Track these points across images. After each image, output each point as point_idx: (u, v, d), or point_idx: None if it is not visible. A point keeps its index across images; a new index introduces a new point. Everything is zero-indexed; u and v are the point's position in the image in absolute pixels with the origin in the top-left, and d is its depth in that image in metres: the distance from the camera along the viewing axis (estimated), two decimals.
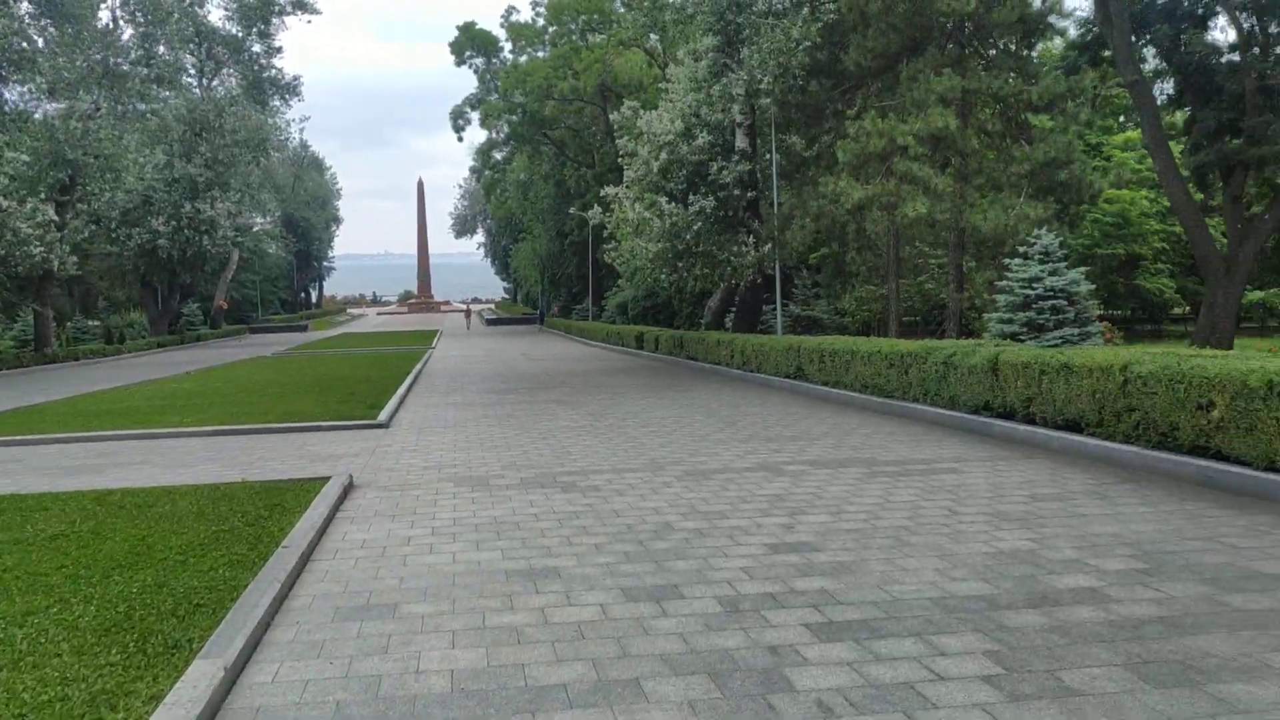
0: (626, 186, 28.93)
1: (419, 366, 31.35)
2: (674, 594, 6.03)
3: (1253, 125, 27.19)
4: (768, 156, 27.39)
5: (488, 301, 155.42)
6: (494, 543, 7.52)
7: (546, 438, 13.71)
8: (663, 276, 28.58)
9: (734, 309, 32.27)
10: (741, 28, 26.39)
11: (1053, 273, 19.50)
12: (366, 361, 34.79)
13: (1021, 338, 20.25)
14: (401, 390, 21.59)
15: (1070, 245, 25.50)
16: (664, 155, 26.79)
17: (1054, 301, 19.23)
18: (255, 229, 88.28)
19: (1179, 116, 35.20)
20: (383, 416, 16.16)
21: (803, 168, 27.27)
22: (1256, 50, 28.04)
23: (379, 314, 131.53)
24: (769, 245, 26.50)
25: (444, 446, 13.10)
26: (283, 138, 69.06)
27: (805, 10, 25.02)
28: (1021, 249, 20.07)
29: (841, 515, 8.12)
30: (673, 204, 26.89)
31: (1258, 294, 47.80)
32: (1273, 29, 27.94)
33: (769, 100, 25.54)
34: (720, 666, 4.83)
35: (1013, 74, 23.58)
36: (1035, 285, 19.96)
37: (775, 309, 27.88)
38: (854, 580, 6.20)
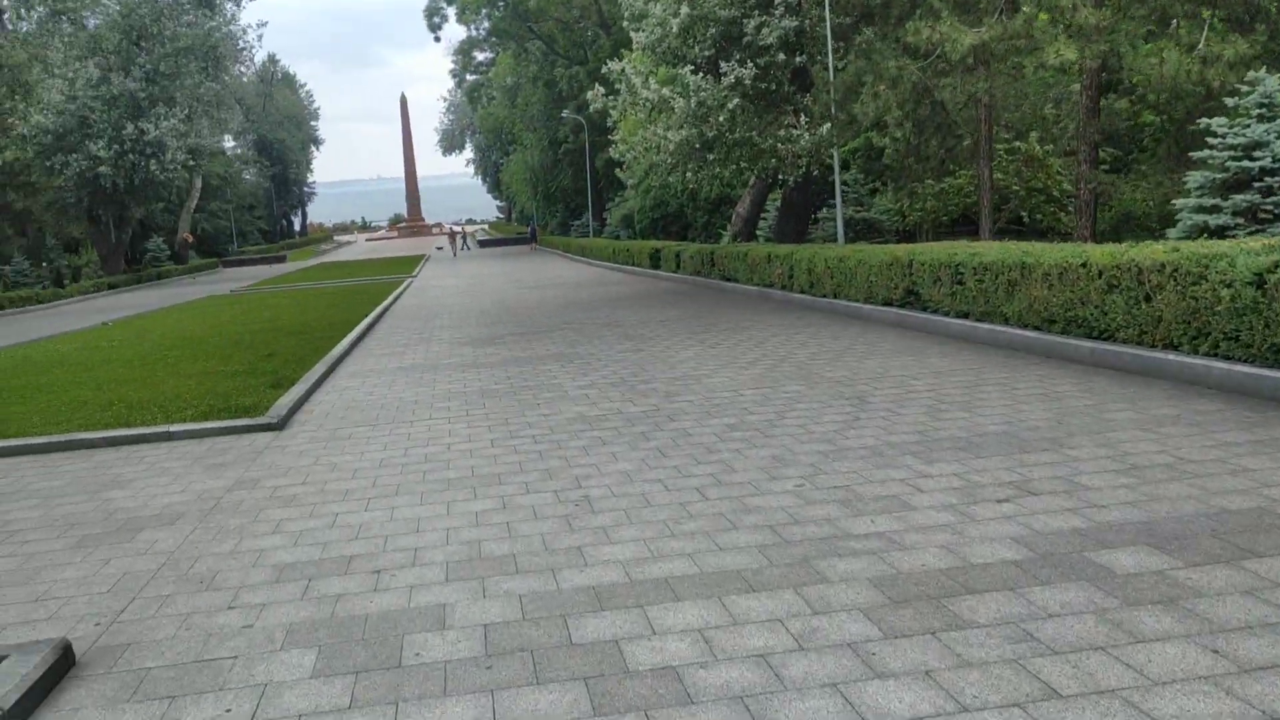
0: (638, 53, 22.31)
1: (387, 303, 25.17)
2: None
3: None
4: (817, 9, 20.68)
5: (481, 222, 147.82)
6: None
7: (548, 452, 7.59)
8: (688, 174, 22.05)
9: (774, 214, 25.90)
10: None
11: None
12: (326, 298, 28.56)
13: (1233, 231, 14.00)
14: (343, 346, 15.46)
15: None
16: (685, 10, 20.13)
17: None
18: (227, 151, 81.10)
19: None
20: (284, 404, 10.05)
21: (867, 20, 20.56)
22: None
23: (368, 240, 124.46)
24: (826, 125, 19.99)
25: (356, 492, 6.98)
26: (240, 46, 61.66)
27: None
28: (1231, 102, 13.69)
29: None
30: (700, 75, 20.33)
31: None
32: None
33: None
34: None
35: None
36: (1257, 155, 13.63)
37: (835, 210, 21.48)
38: None
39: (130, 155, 49.18)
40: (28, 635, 4.58)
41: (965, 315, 12.17)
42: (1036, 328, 10.66)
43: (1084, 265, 9.78)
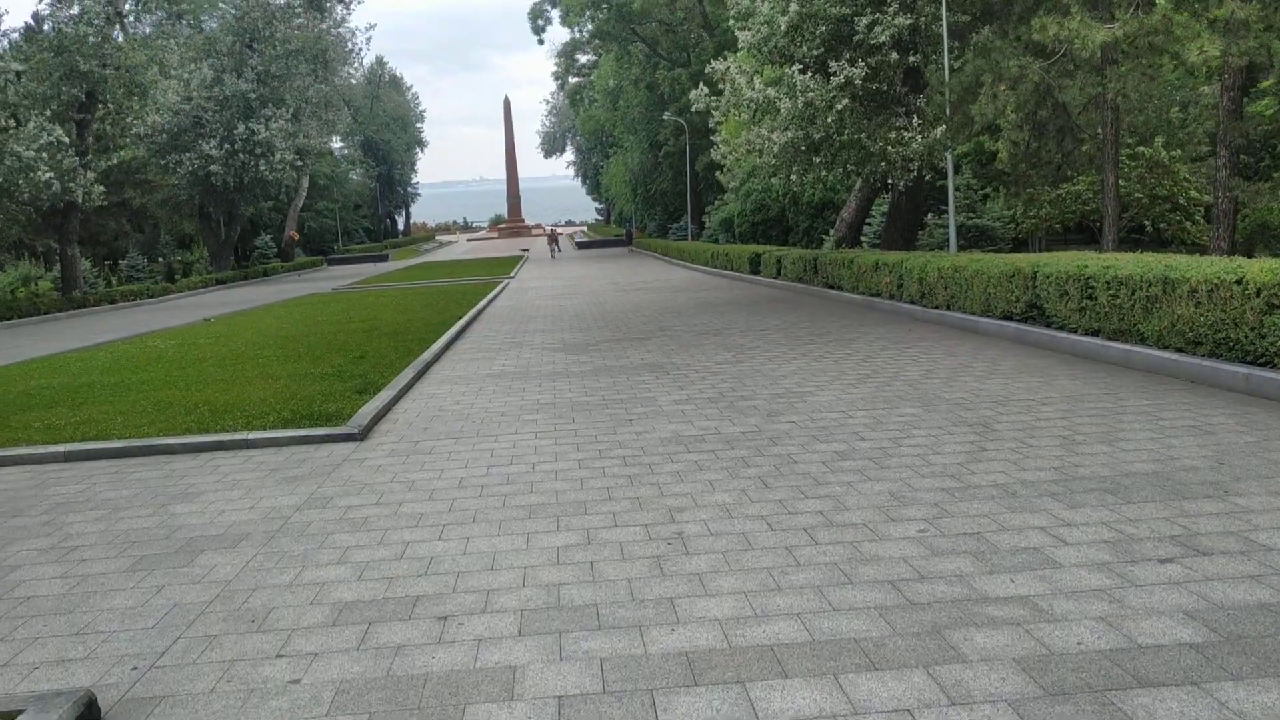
0: (743, 53, 21.60)
1: (482, 305, 24.93)
2: None
3: None
4: (932, 7, 19.70)
5: (580, 224, 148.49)
6: None
7: (638, 477, 6.98)
8: (793, 176, 21.25)
9: (880, 220, 24.93)
10: None
11: None
12: (424, 298, 28.49)
13: None
14: (434, 350, 15.12)
15: None
16: (794, 8, 19.35)
17: None
18: (334, 151, 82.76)
19: None
20: (367, 412, 9.65)
21: (986, 17, 19.50)
22: None
23: (469, 240, 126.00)
24: (940, 127, 19.02)
25: (430, 517, 6.48)
26: (348, 49, 62.70)
27: None
28: None
29: None
30: (808, 75, 19.53)
31: None
32: None
33: None
34: None
35: None
36: None
37: (946, 217, 20.46)
38: None
39: (240, 155, 50.28)
40: (59, 678, 4.14)
41: (1096, 333, 11.19)
42: (1179, 349, 9.67)
43: (1239, 282, 8.78)
